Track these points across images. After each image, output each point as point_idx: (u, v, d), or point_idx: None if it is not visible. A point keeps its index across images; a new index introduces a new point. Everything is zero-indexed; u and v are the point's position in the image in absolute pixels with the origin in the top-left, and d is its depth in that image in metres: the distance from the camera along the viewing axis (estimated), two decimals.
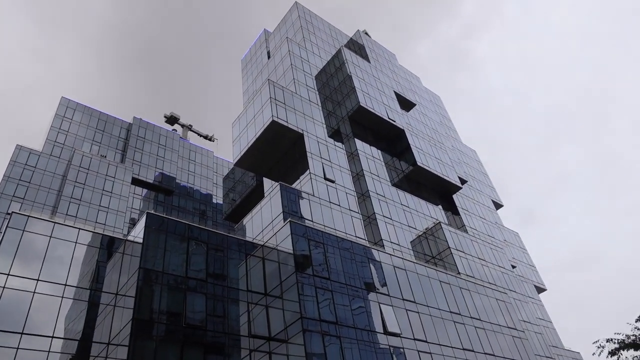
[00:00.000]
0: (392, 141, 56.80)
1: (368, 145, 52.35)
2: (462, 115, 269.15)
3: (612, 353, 28.51)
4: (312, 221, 38.85)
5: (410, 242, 45.72)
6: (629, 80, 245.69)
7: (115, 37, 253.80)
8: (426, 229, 48.26)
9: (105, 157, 72.94)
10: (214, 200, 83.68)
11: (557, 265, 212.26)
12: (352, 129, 52.34)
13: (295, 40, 64.19)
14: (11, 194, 59.52)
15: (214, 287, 28.66)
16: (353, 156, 49.92)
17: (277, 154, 49.73)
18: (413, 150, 53.37)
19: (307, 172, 44.22)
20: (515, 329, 41.78)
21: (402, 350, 30.60)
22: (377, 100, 56.27)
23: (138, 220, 44.61)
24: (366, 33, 76.82)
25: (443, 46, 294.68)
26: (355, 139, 51.14)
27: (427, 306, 35.43)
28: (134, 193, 72.44)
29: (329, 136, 51.03)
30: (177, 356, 24.41)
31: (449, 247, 45.26)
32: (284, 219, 36.01)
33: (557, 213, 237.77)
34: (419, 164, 52.14)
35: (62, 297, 26.94)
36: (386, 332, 30.61)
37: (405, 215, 48.09)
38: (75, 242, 29.76)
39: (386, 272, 34.72)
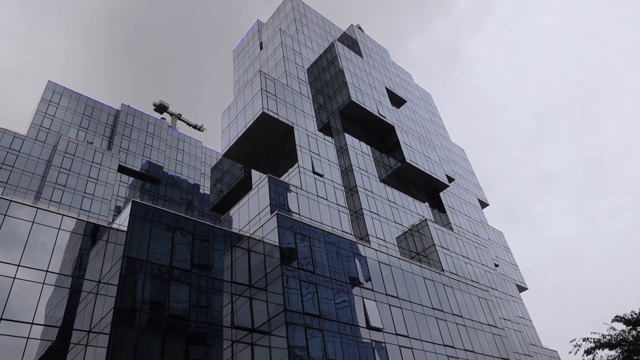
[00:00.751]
0: (381, 137, 56.95)
1: (357, 140, 52.42)
2: (452, 113, 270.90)
3: (588, 352, 29.12)
4: (299, 214, 38.88)
5: (396, 238, 46.03)
6: (616, 83, 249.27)
7: (104, 21, 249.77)
8: (412, 225, 48.62)
9: (92, 143, 71.97)
10: (201, 191, 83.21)
11: (539, 264, 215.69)
12: (342, 124, 52.34)
13: (288, 32, 63.80)
14: None
15: (198, 277, 28.58)
16: (342, 151, 49.97)
17: (266, 146, 49.56)
18: (402, 147, 53.59)
19: (296, 165, 44.17)
20: (496, 327, 42.41)
21: (383, 345, 30.89)
22: (368, 95, 56.29)
23: (123, 208, 44.25)
24: (360, 28, 76.65)
25: (436, 43, 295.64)
26: (345, 134, 51.17)
27: (410, 302, 35.77)
28: (120, 181, 71.66)
29: (319, 130, 50.98)
30: (159, 346, 24.33)
31: (434, 244, 45.68)
32: (271, 212, 35.98)
33: (541, 212, 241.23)
34: (407, 160, 52.40)
35: (44, 283, 26.63)
36: (369, 327, 30.86)
37: (392, 211, 48.35)
38: (59, 229, 29.38)
39: (371, 267, 34.94)
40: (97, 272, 28.17)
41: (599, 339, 29.75)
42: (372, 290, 33.46)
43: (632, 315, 30.75)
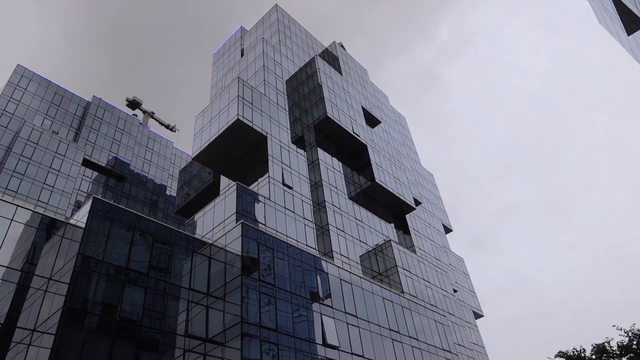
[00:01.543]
0: (353, 155, 57.49)
1: (330, 156, 52.74)
2: (425, 137, 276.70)
3: None
4: (265, 225, 38.59)
5: (360, 256, 46.25)
6: (581, 124, 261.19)
7: (85, 7, 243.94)
8: (376, 245, 49.01)
9: (57, 133, 69.57)
10: (168, 192, 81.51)
11: (498, 292, 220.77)
12: (316, 138, 52.59)
13: (270, 42, 64.01)
14: None
15: (155, 281, 27.80)
16: (314, 165, 50.12)
17: (238, 153, 49.18)
18: (373, 167, 54.23)
19: (266, 175, 43.98)
20: (450, 352, 42.97)
21: None
22: (344, 112, 56.88)
23: (84, 203, 42.76)
24: (342, 46, 77.71)
25: (416, 68, 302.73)
26: (318, 148, 51.41)
27: (368, 321, 35.87)
28: (84, 175, 69.39)
29: (293, 142, 51.04)
30: (107, 350, 23.42)
31: (396, 265, 46.13)
32: (237, 220, 35.58)
33: (504, 242, 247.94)
34: (377, 180, 53.02)
35: None
36: (325, 344, 30.70)
37: (358, 230, 48.65)
38: (11, 220, 28.08)
39: (332, 283, 34.92)
40: (48, 268, 27.01)
41: None
42: (332, 307, 33.39)
43: (574, 351, 31.92)
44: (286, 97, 56.45)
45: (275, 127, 49.94)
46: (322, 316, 32.03)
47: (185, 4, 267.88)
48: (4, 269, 26.44)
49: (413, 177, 70.93)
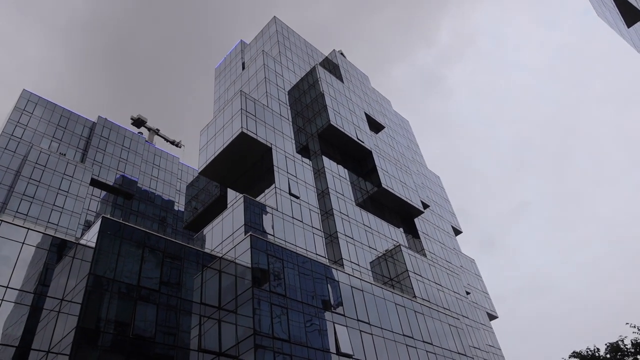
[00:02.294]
0: (359, 161, 57.53)
1: (335, 164, 52.82)
2: (430, 140, 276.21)
3: None
4: (273, 236, 38.63)
5: (370, 262, 46.09)
6: (589, 118, 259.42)
7: (86, 30, 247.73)
8: (386, 250, 48.82)
9: (65, 155, 70.39)
10: (176, 207, 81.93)
11: (512, 293, 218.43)
12: (320, 147, 52.74)
13: (271, 54, 64.53)
14: None
15: (167, 298, 27.91)
16: (319, 173, 50.20)
17: (243, 166, 49.41)
18: (379, 172, 54.21)
19: (273, 186, 44.10)
20: (465, 355, 42.53)
21: None
22: (347, 120, 57.04)
23: (93, 223, 43.15)
24: (342, 54, 78.14)
25: (418, 71, 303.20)
26: (323, 157, 51.52)
27: (381, 328, 35.65)
28: (92, 194, 70.02)
29: (297, 152, 51.21)
30: None
31: (407, 270, 45.89)
32: (245, 232, 35.67)
33: (516, 241, 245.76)
34: (383, 185, 52.96)
35: (3, 300, 25.55)
36: (338, 353, 30.54)
37: (367, 236, 48.54)
38: (23, 243, 28.41)
39: (343, 292, 34.80)
40: (60, 289, 27.23)
41: None
42: (344, 315, 33.26)
43: (587, 351, 31.53)
44: (289, 108, 56.77)
45: (280, 137, 50.18)
46: (335, 325, 31.90)
47: (184, 20, 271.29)
48: (17, 292, 26.68)
49: (420, 180, 70.75)
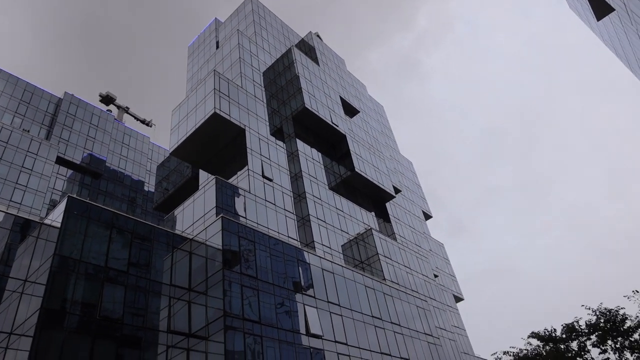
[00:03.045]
0: (333, 145, 57.61)
1: (309, 147, 52.74)
2: (404, 125, 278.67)
3: None
4: (245, 218, 38.50)
5: (342, 245, 46.61)
6: (557, 107, 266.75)
7: (53, 2, 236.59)
8: (358, 234, 49.44)
9: (29, 131, 67.70)
10: (146, 188, 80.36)
11: (478, 275, 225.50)
12: (294, 129, 52.48)
13: (246, 34, 63.32)
14: None
15: (136, 279, 27.55)
16: (293, 156, 50.07)
17: (216, 147, 48.76)
18: (352, 156, 54.48)
19: (246, 168, 43.77)
20: (431, 335, 43.87)
21: (322, 352, 31.12)
22: (322, 103, 56.83)
23: (59, 203, 41.91)
24: (318, 36, 77.36)
25: (395, 55, 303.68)
26: (297, 140, 51.34)
27: (351, 309, 36.30)
28: (58, 173, 67.83)
29: (271, 134, 50.84)
30: (88, 349, 23.19)
31: (378, 254, 46.67)
32: (217, 214, 35.42)
33: (483, 226, 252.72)
34: (357, 170, 53.31)
35: None
36: (308, 334, 31.00)
37: (339, 219, 48.96)
38: None
39: (314, 274, 35.17)
40: (24, 269, 26.50)
41: (517, 353, 31.78)
42: (314, 297, 33.67)
43: (545, 332, 33.04)
44: (263, 89, 56.08)
45: (254, 119, 49.64)
46: (305, 306, 32.29)
47: None
48: None
49: (392, 165, 71.50)
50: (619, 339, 31.15)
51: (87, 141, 74.80)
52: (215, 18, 75.15)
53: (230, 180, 43.84)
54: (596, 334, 31.60)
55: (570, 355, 31.02)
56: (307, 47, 70.35)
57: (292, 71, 57.37)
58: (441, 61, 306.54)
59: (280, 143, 50.97)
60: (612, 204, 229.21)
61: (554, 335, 32.93)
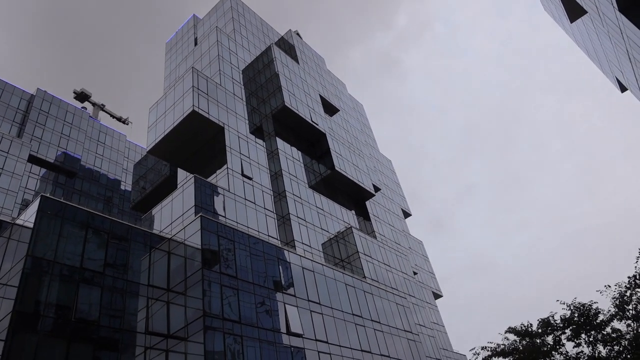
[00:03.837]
0: (312, 144, 57.58)
1: (289, 146, 52.59)
2: (383, 123, 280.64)
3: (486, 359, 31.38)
4: (225, 217, 38.15)
5: (322, 244, 46.66)
6: (533, 107, 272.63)
7: None
8: (338, 232, 49.57)
9: None
10: (122, 187, 78.83)
11: (457, 272, 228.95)
12: (274, 128, 52.24)
13: (225, 31, 62.68)
14: None
15: (112, 280, 27.01)
16: (273, 155, 49.85)
17: (194, 145, 48.16)
18: (332, 155, 54.57)
19: (225, 166, 43.37)
20: (411, 332, 44.33)
21: (303, 350, 31.11)
22: (302, 101, 56.73)
23: (31, 202, 40.69)
24: (298, 34, 77.14)
25: (374, 53, 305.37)
26: (277, 138, 51.12)
27: (331, 308, 36.38)
28: (30, 172, 65.93)
29: (251, 132, 50.49)
30: (63, 352, 22.62)
31: (358, 252, 46.89)
32: (196, 213, 34.99)
33: (462, 223, 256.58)
34: (336, 168, 53.43)
35: None
36: (289, 333, 30.94)
37: (319, 218, 48.99)
38: None
39: (294, 273, 35.10)
40: None
41: (495, 348, 32.37)
42: (295, 296, 33.61)
43: (522, 327, 33.72)
44: (243, 87, 55.63)
45: (233, 117, 49.20)
46: (286, 305, 32.21)
47: None
48: None
49: (372, 164, 71.91)
50: (592, 332, 32.08)
51: (61, 139, 72.93)
52: (194, 14, 74.18)
53: (209, 179, 43.38)
54: (570, 328, 32.43)
55: (545, 349, 31.75)
56: (287, 45, 70.10)
57: (272, 69, 57.09)
58: (421, 60, 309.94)
59: (260, 141, 50.68)
60: (586, 201, 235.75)
61: (530, 330, 33.63)
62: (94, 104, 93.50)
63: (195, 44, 66.55)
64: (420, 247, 74.87)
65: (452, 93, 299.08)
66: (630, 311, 31.37)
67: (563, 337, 33.01)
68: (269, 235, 41.48)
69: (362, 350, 36.31)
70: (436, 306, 65.21)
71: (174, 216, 37.43)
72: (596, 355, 31.43)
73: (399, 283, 52.23)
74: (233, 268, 30.34)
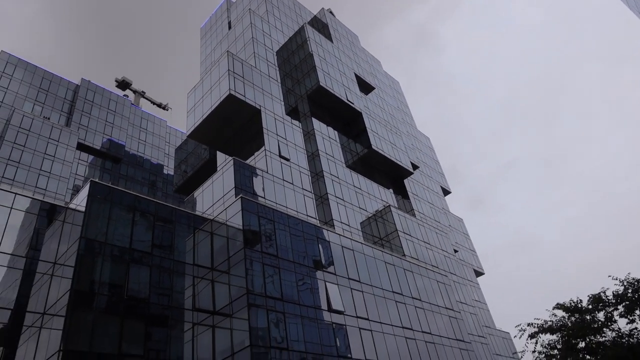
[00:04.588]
0: (348, 123, 57.20)
1: (325, 126, 52.48)
2: (420, 99, 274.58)
3: (532, 336, 30.78)
4: (264, 198, 38.78)
5: (360, 223, 46.72)
6: (578, 77, 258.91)
7: None
8: (376, 211, 49.42)
9: (49, 119, 68.90)
10: (165, 171, 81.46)
11: (498, 249, 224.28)
12: (310, 108, 52.19)
13: (258, 13, 62.61)
14: None
15: (160, 260, 28.19)
16: (309, 135, 49.94)
17: (232, 128, 48.90)
18: (369, 134, 54.06)
19: (262, 148, 43.87)
20: (452, 310, 44.03)
21: (344, 327, 31.57)
22: (337, 81, 56.24)
23: (82, 187, 42.80)
24: (331, 12, 76.03)
25: (410, 28, 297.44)
26: (313, 118, 51.09)
27: (371, 285, 36.58)
28: (79, 159, 69.14)
29: (287, 114, 50.68)
30: (117, 328, 23.98)
31: (397, 230, 46.67)
32: (236, 195, 35.73)
33: (503, 200, 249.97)
34: (373, 147, 52.95)
35: None
36: (330, 310, 31.42)
37: (357, 197, 48.95)
38: (11, 208, 28.22)
39: (334, 251, 35.41)
40: (52, 253, 27.32)
41: (542, 325, 31.60)
42: (335, 274, 33.98)
43: (570, 303, 32.60)
44: (277, 69, 55.67)
45: (269, 99, 49.48)
46: (326, 283, 32.64)
47: None
48: (9, 256, 26.73)
49: (409, 141, 70.77)
50: None
51: (106, 126, 75.87)
52: None
53: (247, 161, 44.07)
54: (623, 304, 31.13)
55: (596, 326, 30.71)
56: (320, 24, 69.30)
57: (306, 49, 56.73)
58: (458, 32, 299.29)
59: (296, 122, 50.82)
60: (636, 176, 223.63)
61: (580, 306, 32.54)
62: (134, 92, 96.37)
63: (229, 27, 66.92)
64: (461, 224, 73.64)
65: (492, 65, 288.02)
66: None
67: (615, 313, 31.78)
68: (307, 215, 41.90)
69: (403, 327, 36.45)
70: (477, 284, 64.30)
71: (215, 198, 38.40)
72: None
73: (440, 261, 51.74)
74: (274, 247, 30.94)
